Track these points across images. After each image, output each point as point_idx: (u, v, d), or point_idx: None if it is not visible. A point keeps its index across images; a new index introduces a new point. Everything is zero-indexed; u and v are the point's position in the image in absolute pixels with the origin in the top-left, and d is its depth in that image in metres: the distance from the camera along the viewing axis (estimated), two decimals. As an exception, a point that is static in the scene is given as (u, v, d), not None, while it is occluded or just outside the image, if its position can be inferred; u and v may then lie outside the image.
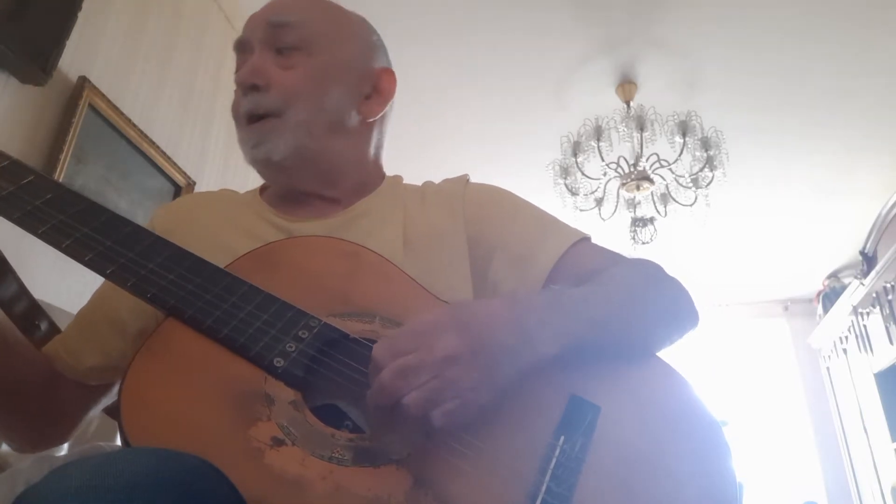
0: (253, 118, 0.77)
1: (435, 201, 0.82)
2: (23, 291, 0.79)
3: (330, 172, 0.81)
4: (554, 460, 0.53)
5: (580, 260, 0.76)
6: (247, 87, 0.77)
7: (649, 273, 0.74)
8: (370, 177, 0.86)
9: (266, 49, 0.78)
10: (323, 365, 0.58)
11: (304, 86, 0.77)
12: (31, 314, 0.81)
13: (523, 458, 0.53)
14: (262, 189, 0.88)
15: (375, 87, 0.85)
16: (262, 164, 0.78)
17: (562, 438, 0.54)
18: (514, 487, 0.52)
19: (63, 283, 1.53)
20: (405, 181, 0.89)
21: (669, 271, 0.75)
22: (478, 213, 0.80)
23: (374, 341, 0.59)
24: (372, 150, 0.86)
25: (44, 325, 0.82)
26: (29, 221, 0.63)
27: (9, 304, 0.78)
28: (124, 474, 0.37)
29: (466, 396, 0.51)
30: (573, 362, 0.59)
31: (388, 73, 0.87)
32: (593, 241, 0.80)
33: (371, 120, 0.84)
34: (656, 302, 0.71)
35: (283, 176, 0.81)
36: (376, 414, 0.51)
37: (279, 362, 0.56)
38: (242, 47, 0.82)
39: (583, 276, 0.73)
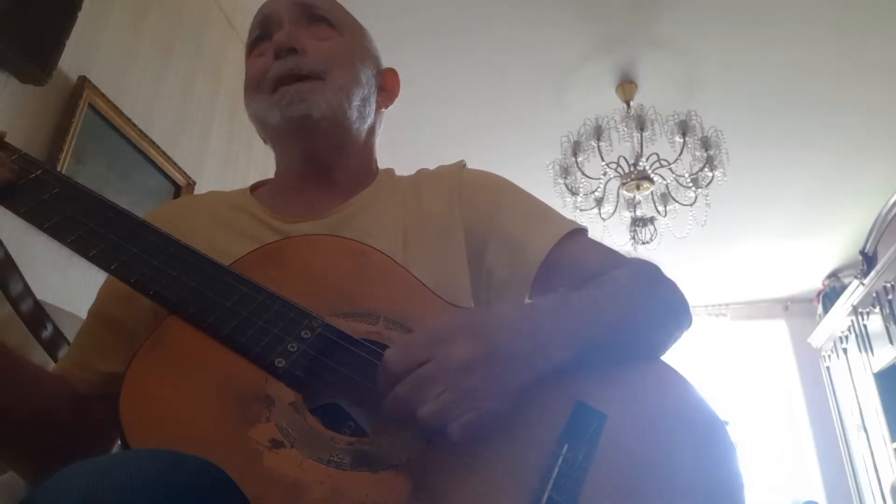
0: (288, 80, 0.77)
1: (431, 191, 0.82)
2: (27, 290, 0.80)
3: (346, 146, 0.82)
4: (557, 469, 0.51)
5: (576, 254, 0.76)
6: (285, 49, 0.77)
7: (650, 275, 0.74)
8: (367, 168, 0.86)
9: (297, 24, 0.81)
10: (325, 366, 0.58)
11: (342, 55, 0.81)
12: (37, 314, 0.81)
13: (526, 467, 0.52)
14: (253, 188, 0.87)
15: (383, 83, 0.89)
16: (297, 121, 0.76)
17: (565, 447, 0.53)
18: (515, 496, 0.50)
19: (64, 283, 1.53)
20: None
21: (669, 272, 0.75)
22: (474, 200, 0.80)
23: (377, 343, 0.59)
24: (374, 141, 0.88)
25: (49, 326, 0.82)
26: (35, 216, 0.63)
27: (17, 302, 0.78)
28: (131, 477, 0.36)
29: (483, 406, 0.50)
30: (579, 367, 0.58)
31: (392, 73, 0.91)
32: (589, 235, 0.80)
33: (383, 110, 0.88)
34: (659, 305, 0.71)
35: (312, 137, 0.79)
36: (388, 421, 0.51)
37: (280, 363, 0.56)
38: (267, 24, 0.82)
39: (579, 272, 0.72)
